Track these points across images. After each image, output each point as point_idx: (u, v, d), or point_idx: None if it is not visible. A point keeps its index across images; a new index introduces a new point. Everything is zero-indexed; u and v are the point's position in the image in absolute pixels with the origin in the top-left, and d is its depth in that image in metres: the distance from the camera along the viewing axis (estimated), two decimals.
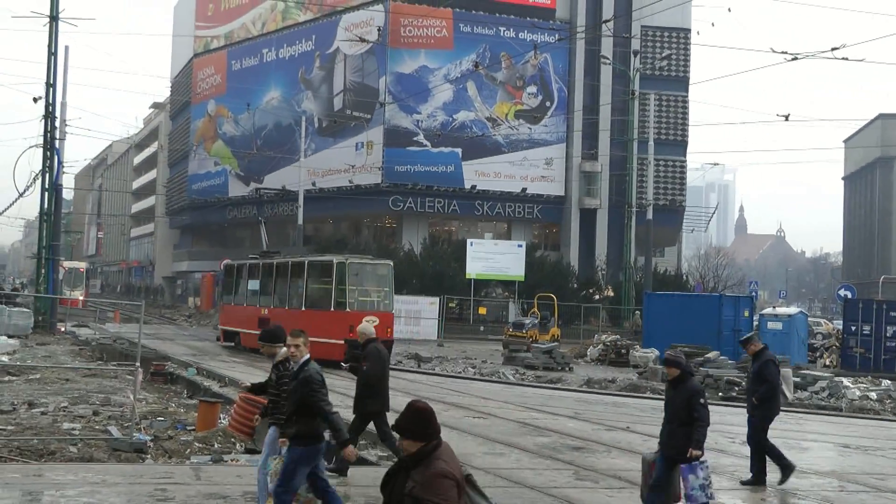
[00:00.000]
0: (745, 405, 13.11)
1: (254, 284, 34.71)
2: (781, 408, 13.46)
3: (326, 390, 8.82)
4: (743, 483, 12.41)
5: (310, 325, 27.42)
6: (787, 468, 12.41)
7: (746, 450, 15.28)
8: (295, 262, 31.68)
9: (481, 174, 61.72)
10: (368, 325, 12.78)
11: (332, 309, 28.18)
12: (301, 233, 52.83)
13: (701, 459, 9.69)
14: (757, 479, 12.44)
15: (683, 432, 9.77)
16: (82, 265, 76.82)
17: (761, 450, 12.54)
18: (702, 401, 9.86)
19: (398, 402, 19.80)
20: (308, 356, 8.95)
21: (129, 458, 13.21)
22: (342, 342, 25.80)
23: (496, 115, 63.46)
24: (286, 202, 64.28)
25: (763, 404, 12.48)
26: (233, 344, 34.84)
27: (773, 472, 12.54)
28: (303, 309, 29.63)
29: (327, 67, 66.77)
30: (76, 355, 28.78)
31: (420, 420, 5.22)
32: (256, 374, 25.57)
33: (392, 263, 31.36)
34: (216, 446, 14.49)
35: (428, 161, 61.92)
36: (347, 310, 27.74)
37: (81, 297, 62.62)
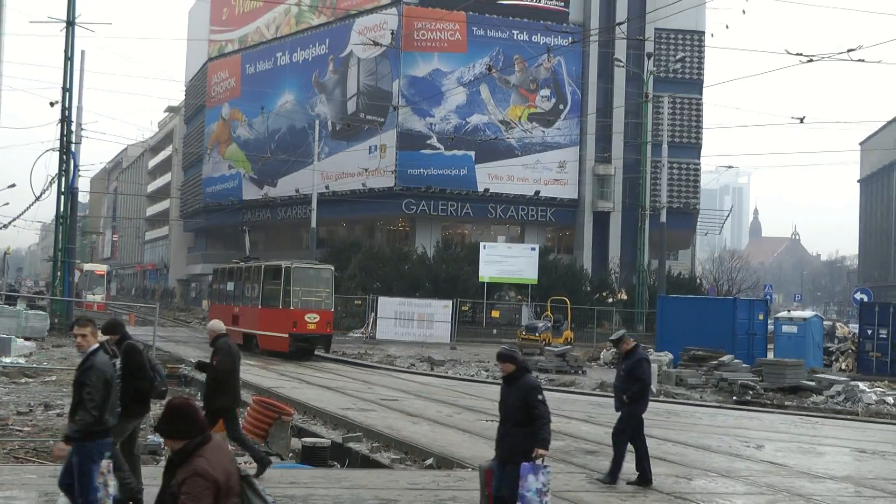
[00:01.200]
0: (615, 401, 12.48)
1: (230, 286, 38.77)
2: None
3: (104, 383, 8.29)
4: (599, 481, 12.09)
5: (263, 321, 32.66)
6: (615, 472, 12.05)
7: (762, 454, 15.30)
8: (255, 267, 35.51)
9: (494, 177, 61.70)
10: (218, 322, 12.50)
11: (280, 307, 32.03)
12: (314, 236, 53.02)
13: (545, 463, 8.85)
14: (612, 477, 12.08)
15: (519, 432, 8.93)
16: (102, 268, 75.29)
17: (640, 446, 12.17)
18: (540, 397, 9.01)
19: (414, 405, 19.85)
20: (96, 346, 8.48)
21: (144, 461, 13.24)
22: (287, 336, 31.35)
23: (509, 118, 63.43)
24: (300, 205, 64.44)
25: (633, 402, 12.06)
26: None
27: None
28: (259, 307, 33.68)
29: (341, 71, 66.87)
30: None
31: (178, 418, 5.17)
32: (270, 376, 25.67)
33: (333, 268, 35.84)
34: (230, 449, 14.51)
35: (441, 164, 61.93)
36: (292, 308, 31.74)
37: (102, 301, 61.33)
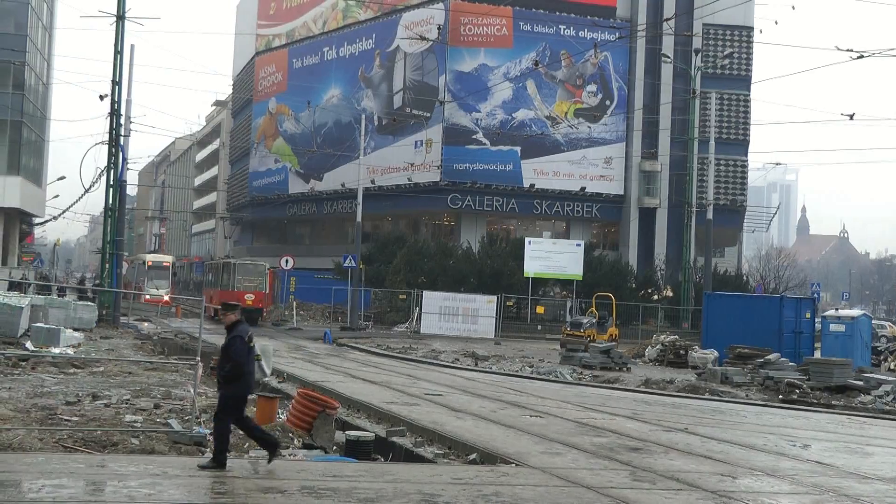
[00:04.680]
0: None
1: (211, 276, 55.47)
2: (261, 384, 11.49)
3: None
4: (201, 467, 11.17)
5: (220, 298, 43.92)
6: (218, 455, 11.20)
7: (808, 453, 15.12)
8: (219, 263, 54.12)
9: (540, 173, 61.57)
10: None
11: (230, 289, 46.75)
12: (359, 230, 53.17)
13: None
14: (215, 461, 11.22)
15: None
16: (167, 259, 70.58)
17: (222, 432, 11.33)
18: None
19: (458, 400, 19.84)
20: None
21: (189, 451, 13.35)
22: None
23: (555, 113, 63.25)
24: (345, 199, 64.71)
25: (228, 384, 11.39)
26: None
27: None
28: (220, 289, 48.26)
29: (387, 66, 67.02)
30: (138, 349, 29.19)
31: None
32: (315, 370, 25.81)
33: (266, 264, 50.78)
34: None
35: (487, 159, 61.90)
36: (236, 289, 46.48)
37: (166, 295, 59.23)
